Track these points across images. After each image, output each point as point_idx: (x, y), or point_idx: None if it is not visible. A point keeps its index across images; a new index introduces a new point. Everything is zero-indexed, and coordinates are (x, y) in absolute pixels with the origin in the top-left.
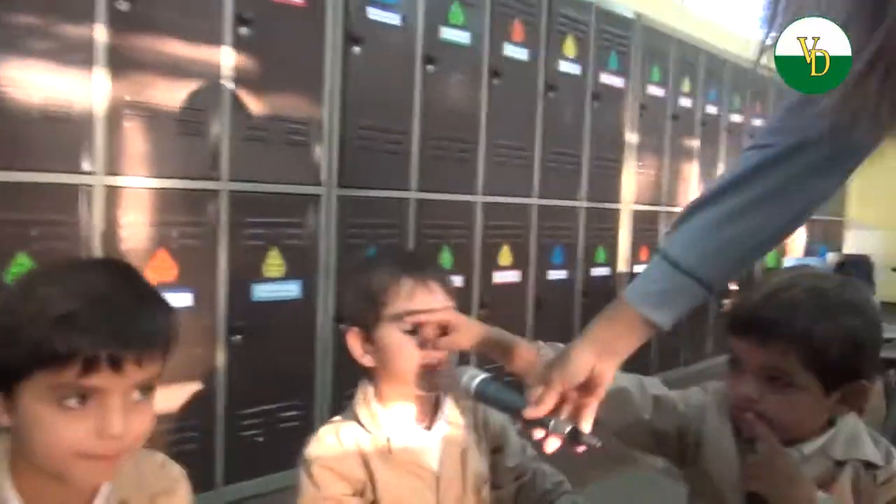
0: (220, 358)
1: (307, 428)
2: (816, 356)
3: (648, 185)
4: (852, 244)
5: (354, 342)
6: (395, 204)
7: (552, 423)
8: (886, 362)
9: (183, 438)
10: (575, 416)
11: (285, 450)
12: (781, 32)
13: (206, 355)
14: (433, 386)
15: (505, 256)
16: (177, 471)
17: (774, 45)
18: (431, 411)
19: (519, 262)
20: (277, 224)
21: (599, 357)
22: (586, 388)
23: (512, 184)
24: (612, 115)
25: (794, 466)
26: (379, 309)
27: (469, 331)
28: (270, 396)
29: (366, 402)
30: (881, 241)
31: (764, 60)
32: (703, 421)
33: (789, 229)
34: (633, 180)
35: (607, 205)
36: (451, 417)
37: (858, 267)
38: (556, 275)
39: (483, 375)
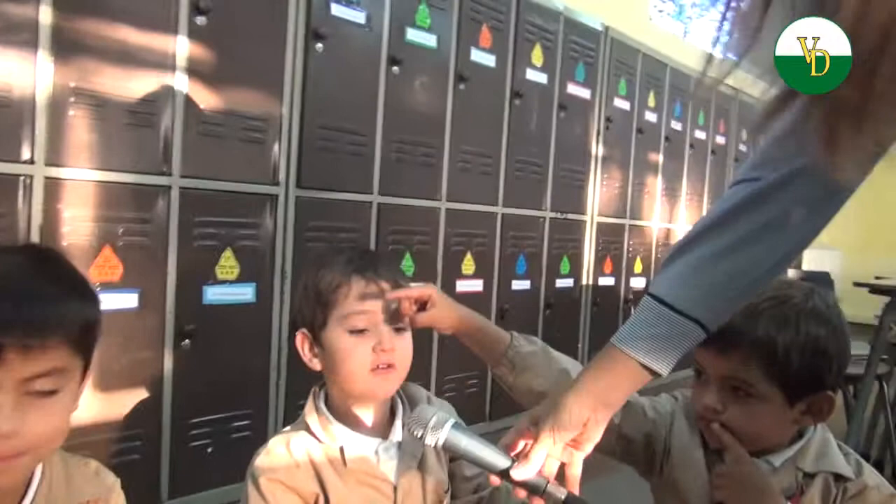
0: (168, 363)
1: (259, 438)
2: (778, 366)
3: (613, 197)
4: (811, 262)
5: (303, 345)
6: (356, 207)
7: (545, 487)
8: (846, 378)
9: (127, 448)
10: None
11: (236, 461)
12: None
13: (152, 360)
14: (385, 391)
15: (468, 265)
16: (111, 479)
17: (733, 63)
18: (386, 419)
19: (482, 271)
20: (232, 224)
21: (595, 409)
22: (574, 443)
23: (476, 191)
24: (577, 126)
25: (763, 476)
26: (327, 310)
27: (449, 310)
28: (221, 404)
29: (316, 409)
30: (839, 260)
31: (727, 79)
32: (672, 429)
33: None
34: (598, 192)
35: (572, 216)
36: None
37: (819, 284)
38: (519, 285)
39: (452, 421)
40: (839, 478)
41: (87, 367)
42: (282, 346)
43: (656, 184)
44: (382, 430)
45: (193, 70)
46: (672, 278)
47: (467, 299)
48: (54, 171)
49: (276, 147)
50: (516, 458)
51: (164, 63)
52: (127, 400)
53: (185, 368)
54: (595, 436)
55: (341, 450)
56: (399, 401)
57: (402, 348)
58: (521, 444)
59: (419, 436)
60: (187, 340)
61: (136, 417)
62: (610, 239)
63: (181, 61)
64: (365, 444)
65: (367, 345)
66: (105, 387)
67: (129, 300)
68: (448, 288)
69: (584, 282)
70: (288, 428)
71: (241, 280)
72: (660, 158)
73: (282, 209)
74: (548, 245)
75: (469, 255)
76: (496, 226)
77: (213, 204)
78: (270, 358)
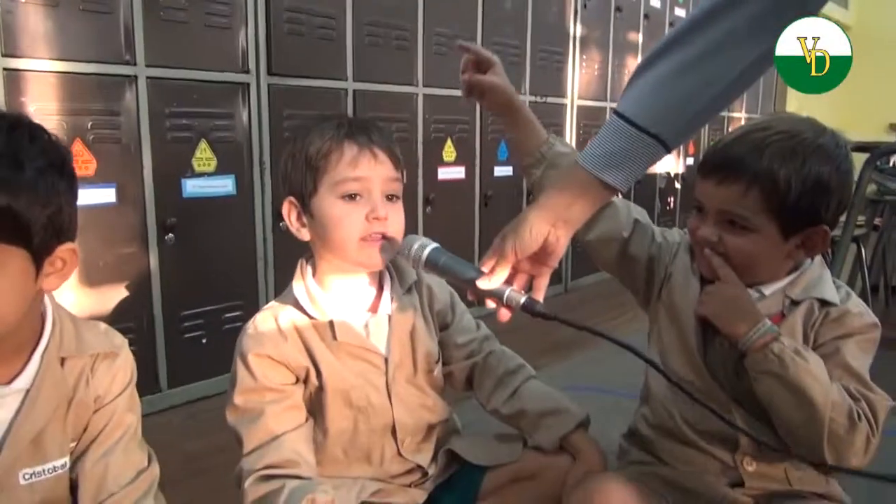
0: (154, 258)
1: None
2: (778, 197)
3: (593, 79)
4: None
5: (290, 214)
6: (331, 94)
7: (506, 294)
8: None
9: None
10: (528, 286)
11: (231, 350)
12: None
13: (137, 255)
14: (376, 261)
15: (449, 152)
16: (119, 339)
17: None
18: (375, 291)
19: (464, 158)
20: (204, 115)
21: (554, 225)
22: (540, 257)
23: (454, 76)
24: (554, 5)
25: (746, 297)
26: (318, 176)
27: (506, 84)
28: (212, 297)
29: (304, 282)
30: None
31: None
32: (675, 258)
33: (741, 83)
34: (577, 74)
35: (552, 99)
36: (397, 296)
37: None
38: (502, 171)
39: (433, 245)
40: (825, 303)
41: (46, 253)
42: (266, 236)
43: (637, 64)
44: (372, 302)
45: None
46: (634, 96)
47: (450, 187)
48: (13, 63)
49: (242, 33)
50: (485, 273)
51: None
52: (116, 295)
53: (171, 262)
54: (558, 250)
55: (331, 323)
56: (388, 274)
57: (395, 218)
58: (492, 261)
59: (406, 254)
60: (171, 234)
61: (128, 312)
62: (591, 122)
63: None
64: (355, 317)
65: (360, 212)
66: (92, 283)
67: (106, 195)
68: (430, 176)
69: None
70: (273, 302)
71: (219, 172)
72: (639, 38)
73: (254, 98)
74: None
75: (450, 142)
76: (476, 111)
77: (183, 94)
78: (256, 249)
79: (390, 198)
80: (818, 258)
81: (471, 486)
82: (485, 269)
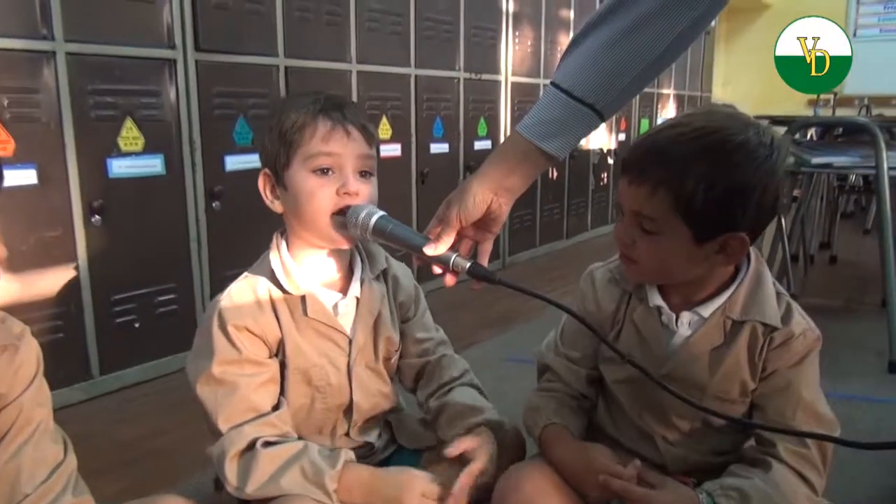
0: (81, 241)
1: (186, 311)
2: (684, 199)
3: (527, 56)
4: None
5: (264, 186)
6: (262, 71)
7: (452, 260)
8: None
9: (50, 328)
10: (473, 253)
11: (165, 335)
12: None
13: (63, 238)
14: (349, 235)
15: (385, 129)
16: (19, 327)
17: None
18: (346, 274)
19: (400, 135)
20: (129, 92)
21: (497, 193)
22: (484, 224)
23: (387, 52)
24: None
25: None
26: (291, 149)
27: None
28: (143, 280)
29: (280, 254)
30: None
31: None
32: (597, 297)
33: (669, 54)
34: (511, 51)
35: (486, 76)
36: (367, 281)
37: None
38: (438, 148)
39: (380, 213)
40: (768, 326)
41: None
42: (199, 217)
43: (570, 38)
44: (342, 284)
45: None
46: (570, 67)
47: (386, 164)
48: None
49: (167, 6)
50: (431, 240)
51: None
52: (41, 281)
53: (99, 245)
54: (501, 217)
55: (303, 298)
56: (359, 257)
57: (367, 193)
58: (438, 228)
59: (354, 223)
60: (97, 216)
61: (55, 297)
62: (526, 99)
63: None
64: (326, 296)
65: (332, 186)
66: (15, 268)
67: (26, 176)
68: None
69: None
70: (246, 273)
71: (147, 151)
72: (571, 14)
73: (182, 75)
74: (464, 107)
75: (385, 119)
76: (410, 88)
77: (105, 70)
78: (189, 230)
79: (363, 174)
80: (754, 265)
81: (409, 462)
82: (431, 236)
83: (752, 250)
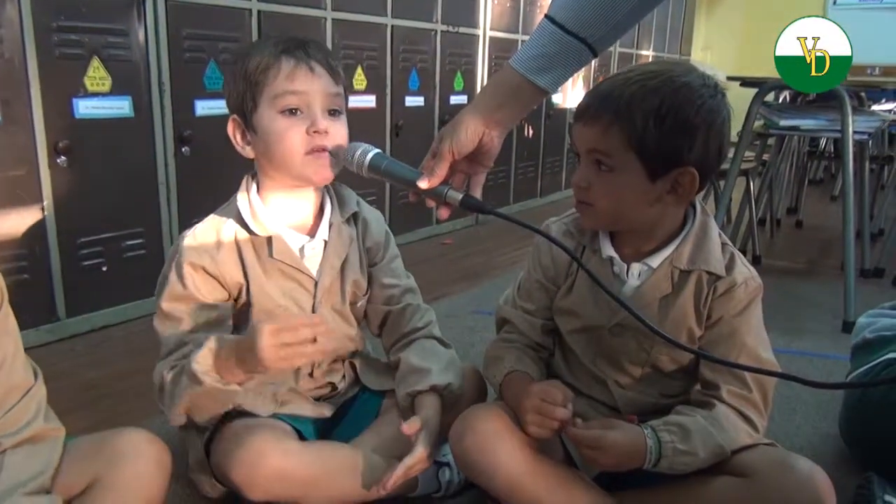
0: (46, 181)
1: (155, 256)
2: (636, 134)
3: (505, 11)
4: None
5: (234, 132)
6: (234, 15)
7: (446, 192)
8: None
9: (15, 268)
10: (466, 185)
11: (133, 279)
12: None
13: (27, 178)
14: (325, 174)
15: (360, 80)
16: None
17: None
18: (315, 217)
19: (375, 87)
20: (96, 30)
21: (487, 125)
22: (476, 157)
23: (364, 1)
24: None
25: (618, 443)
26: (257, 91)
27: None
28: (110, 223)
29: (248, 196)
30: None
31: None
32: (552, 252)
33: None
34: (489, 5)
35: (464, 29)
36: (336, 224)
37: None
38: (413, 101)
39: (375, 150)
40: (712, 274)
41: None
42: (168, 161)
43: None
44: (311, 227)
45: None
46: (564, 1)
47: (360, 115)
48: None
49: None
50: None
51: None
52: (6, 220)
53: (65, 187)
54: (493, 150)
55: (269, 240)
56: (329, 199)
57: (338, 132)
58: (431, 162)
59: (349, 161)
60: (63, 157)
61: (20, 238)
62: (503, 55)
63: None
64: (293, 238)
65: (301, 126)
66: None
67: None
68: None
69: None
70: (213, 214)
71: (114, 93)
72: None
73: (150, 14)
74: (440, 60)
75: (360, 70)
76: (386, 38)
77: (70, 7)
78: (157, 174)
79: (332, 112)
80: (700, 217)
81: (372, 403)
82: (424, 171)
83: (699, 203)
